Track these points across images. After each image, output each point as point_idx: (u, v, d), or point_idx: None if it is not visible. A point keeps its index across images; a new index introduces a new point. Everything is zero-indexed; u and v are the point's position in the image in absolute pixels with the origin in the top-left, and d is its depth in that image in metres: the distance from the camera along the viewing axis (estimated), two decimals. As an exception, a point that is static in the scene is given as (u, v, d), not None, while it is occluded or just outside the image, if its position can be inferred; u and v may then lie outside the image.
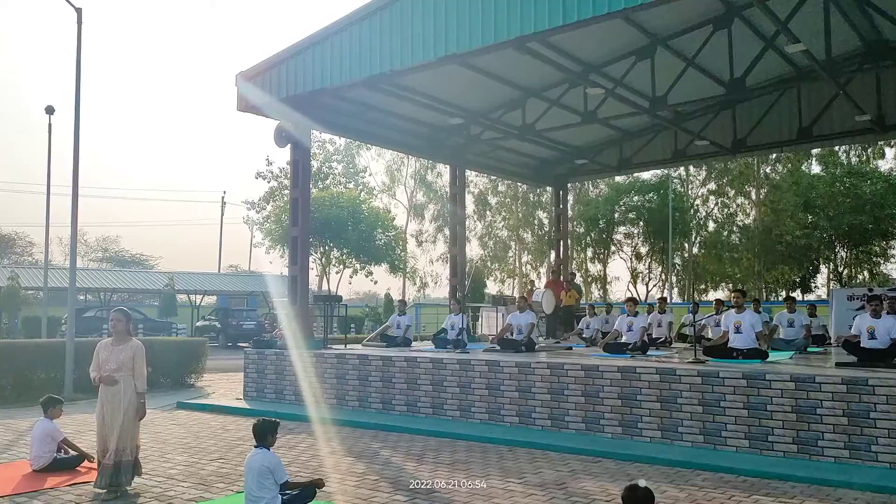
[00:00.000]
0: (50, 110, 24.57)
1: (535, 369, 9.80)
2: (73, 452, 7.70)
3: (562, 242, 21.12)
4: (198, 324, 35.92)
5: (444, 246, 46.58)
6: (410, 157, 44.39)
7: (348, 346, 13.47)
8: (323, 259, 34.98)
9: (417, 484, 6.87)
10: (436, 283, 49.75)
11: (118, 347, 6.63)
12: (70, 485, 6.92)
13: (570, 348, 13.58)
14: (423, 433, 9.73)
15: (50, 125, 24.90)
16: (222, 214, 60.40)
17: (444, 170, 46.35)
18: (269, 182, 44.83)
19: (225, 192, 64.07)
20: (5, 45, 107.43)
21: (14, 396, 13.48)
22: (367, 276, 38.23)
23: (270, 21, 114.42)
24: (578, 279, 18.80)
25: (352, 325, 27.47)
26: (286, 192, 41.97)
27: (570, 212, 28.62)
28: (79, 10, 14.74)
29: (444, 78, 13.34)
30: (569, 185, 23.12)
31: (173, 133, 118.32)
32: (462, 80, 13.59)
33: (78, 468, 7.50)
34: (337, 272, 38.66)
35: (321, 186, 42.05)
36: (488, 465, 7.72)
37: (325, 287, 39.81)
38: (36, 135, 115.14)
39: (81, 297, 39.52)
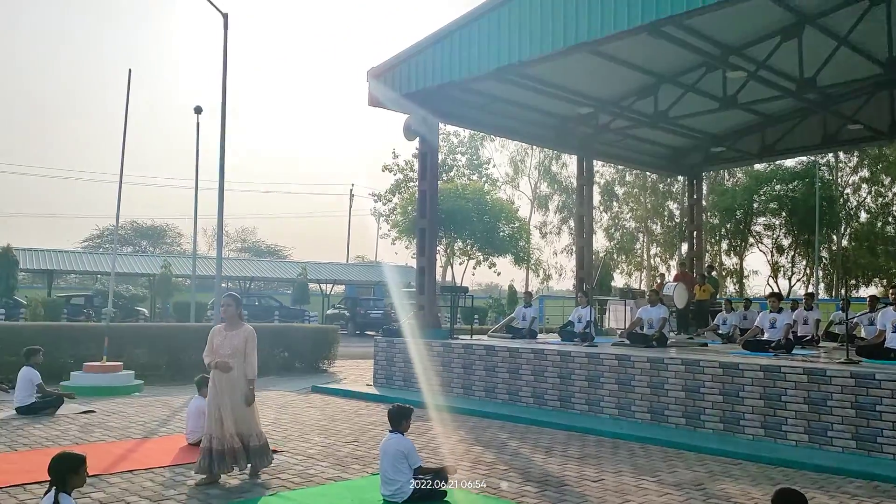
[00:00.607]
0: (198, 110, 26.37)
1: (668, 365, 9.46)
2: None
3: (695, 234, 20.27)
4: (328, 312, 37.46)
5: (568, 237, 45.96)
6: (535, 147, 44.08)
7: (474, 337, 13.57)
8: (447, 250, 35.46)
9: (547, 476, 6.82)
10: (560, 275, 49.24)
11: (231, 333, 6.57)
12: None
13: (706, 344, 13.01)
14: (550, 426, 9.65)
15: (198, 124, 26.69)
16: (350, 207, 62.60)
17: (570, 160, 45.66)
18: (394, 175, 45.97)
19: (353, 185, 66.22)
20: (160, 51, 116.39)
21: (169, 376, 14.60)
22: (489, 268, 38.43)
23: (402, 17, 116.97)
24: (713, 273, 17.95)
25: (476, 316, 27.71)
26: (412, 184, 42.86)
27: (704, 202, 27.39)
28: (225, 15, 15.70)
29: (572, 66, 13.10)
30: (703, 174, 22.12)
31: (306, 128, 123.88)
32: (591, 67, 13.30)
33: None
34: (460, 263, 39.10)
35: (445, 178, 42.60)
36: (619, 462, 7.55)
37: (448, 278, 40.38)
38: (186, 133, 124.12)
39: (224, 285, 42.24)
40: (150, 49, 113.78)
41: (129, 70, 14.59)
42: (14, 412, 9.80)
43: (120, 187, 14.90)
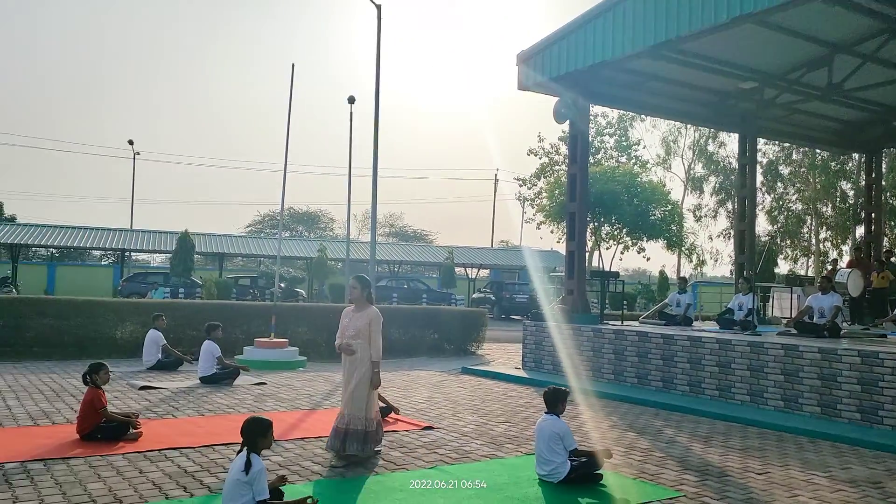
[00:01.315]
0: (351, 100, 27.50)
1: (841, 357, 8.80)
2: (381, 405, 8.61)
3: (873, 216, 18.60)
4: (474, 296, 38.01)
5: (726, 221, 43.69)
6: (689, 127, 42.14)
7: (624, 323, 13.29)
8: (595, 234, 34.81)
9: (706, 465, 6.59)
10: (715, 260, 46.94)
11: (357, 314, 6.52)
12: (387, 430, 7.74)
13: (885, 336, 11.94)
14: (708, 415, 9.29)
15: (351, 114, 27.85)
16: (495, 191, 62.76)
17: (729, 139, 43.29)
18: (540, 158, 45.62)
19: (497, 170, 66.32)
20: (315, 43, 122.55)
21: (328, 353, 15.45)
22: (638, 253, 37.30)
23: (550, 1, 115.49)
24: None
25: (624, 302, 27.06)
26: (557, 167, 42.39)
27: (883, 181, 24.99)
28: (378, 7, 16.24)
29: (735, 39, 12.36)
30: (884, 150, 20.20)
31: (452, 113, 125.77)
32: (756, 39, 12.49)
33: (387, 417, 8.38)
34: (607, 248, 38.26)
35: (593, 161, 41.71)
36: (786, 455, 7.14)
37: (595, 262, 39.66)
38: (339, 123, 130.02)
39: (376, 269, 43.98)
40: (307, 41, 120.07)
41: (293, 65, 15.48)
42: (198, 381, 10.83)
43: (284, 176, 15.91)
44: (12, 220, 52.39)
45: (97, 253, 55.17)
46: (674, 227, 34.69)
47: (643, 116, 42.58)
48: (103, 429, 6.82)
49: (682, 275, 41.57)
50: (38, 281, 39.88)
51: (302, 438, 7.23)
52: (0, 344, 13.40)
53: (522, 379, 12.36)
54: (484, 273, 50.85)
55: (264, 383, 11.00)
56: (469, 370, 13.44)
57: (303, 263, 44.97)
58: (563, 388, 6.20)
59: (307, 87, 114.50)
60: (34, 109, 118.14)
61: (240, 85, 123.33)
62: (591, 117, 45.79)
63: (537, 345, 13.37)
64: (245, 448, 4.62)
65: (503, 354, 16.82)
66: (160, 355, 12.18)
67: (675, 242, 35.65)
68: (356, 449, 6.35)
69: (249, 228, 63.73)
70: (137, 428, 7.02)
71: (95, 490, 5.32)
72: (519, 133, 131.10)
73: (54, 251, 51.57)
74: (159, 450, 6.52)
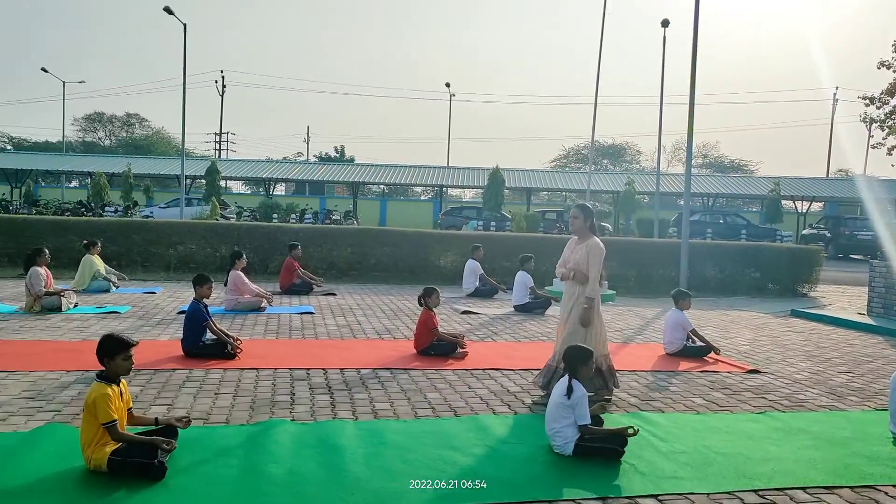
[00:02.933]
0: (665, 23, 25.94)
1: None
2: (699, 344, 8.18)
3: None
4: (804, 232, 34.26)
5: None
6: None
7: None
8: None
9: None
10: None
11: (579, 246, 6.12)
12: (702, 371, 7.40)
13: None
14: None
15: (664, 38, 26.31)
16: (833, 113, 54.92)
17: None
18: (894, 72, 38.55)
19: (837, 88, 57.62)
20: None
21: (636, 288, 15.18)
22: None
23: None
24: None
25: None
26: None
27: None
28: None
29: None
30: None
31: (772, 26, 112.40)
32: None
33: (706, 357, 7.97)
34: None
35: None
36: None
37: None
38: (650, 49, 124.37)
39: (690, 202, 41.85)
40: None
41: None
42: (512, 309, 11.38)
43: (595, 109, 15.69)
44: (352, 160, 59.73)
45: (418, 189, 60.75)
46: None
47: None
48: (435, 346, 7.51)
49: None
50: (372, 214, 45.37)
51: (618, 371, 7.20)
52: (349, 268, 15.50)
53: (868, 326, 10.84)
54: (816, 207, 45.48)
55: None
56: (800, 313, 12.17)
57: (609, 197, 44.50)
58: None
59: (613, 14, 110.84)
60: (364, 62, 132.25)
61: (545, 24, 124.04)
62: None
63: (888, 289, 11.58)
64: (567, 374, 4.72)
65: (842, 298, 14.94)
66: (477, 283, 13.02)
67: None
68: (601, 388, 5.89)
69: (554, 163, 64.81)
70: (464, 348, 7.60)
71: (433, 399, 5.90)
72: (863, 42, 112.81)
73: (384, 188, 58.03)
74: (483, 369, 6.99)
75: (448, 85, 48.57)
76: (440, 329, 7.76)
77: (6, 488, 3.80)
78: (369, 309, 10.92)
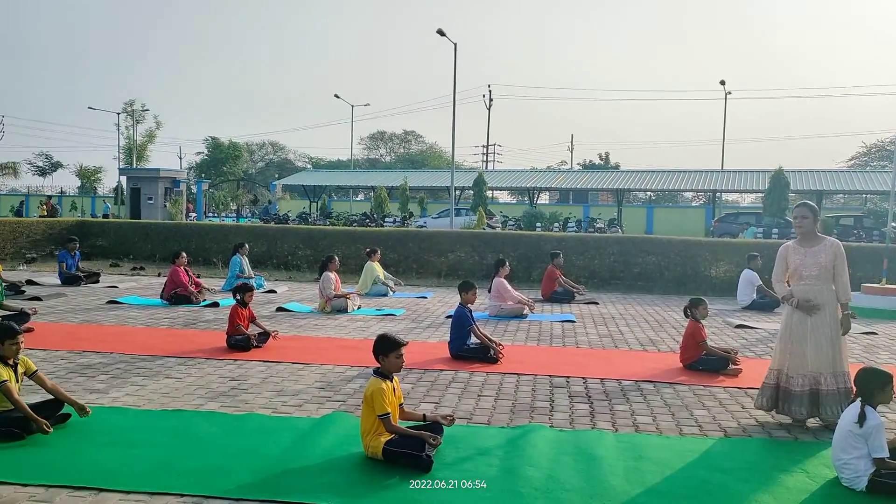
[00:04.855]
0: None
1: None
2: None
3: None
4: None
5: None
6: None
7: None
8: None
9: None
10: None
11: (812, 249, 5.41)
12: None
13: None
14: None
15: None
16: None
17: None
18: None
19: None
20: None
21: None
22: None
23: None
24: None
25: None
26: None
27: None
28: None
29: None
30: None
31: None
32: None
33: None
34: None
35: None
36: None
37: None
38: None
39: None
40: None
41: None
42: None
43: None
44: (616, 167, 58.73)
45: (688, 194, 57.66)
46: None
47: None
48: (704, 360, 7.04)
49: None
50: (638, 222, 44.08)
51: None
52: (612, 277, 15.22)
53: None
54: None
55: (874, 333, 9.76)
56: None
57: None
58: None
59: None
60: (627, 66, 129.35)
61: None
62: None
63: None
64: (859, 398, 4.12)
65: None
66: (755, 295, 12.00)
67: None
68: (832, 414, 5.10)
69: (852, 162, 57.49)
70: (737, 364, 7.02)
71: (701, 416, 5.53)
72: None
73: (651, 194, 56.07)
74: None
75: (723, 83, 45.47)
76: (709, 342, 7.26)
77: (303, 465, 4.30)
78: (632, 319, 10.60)
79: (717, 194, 41.87)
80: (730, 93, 45.93)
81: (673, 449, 4.75)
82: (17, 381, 4.74)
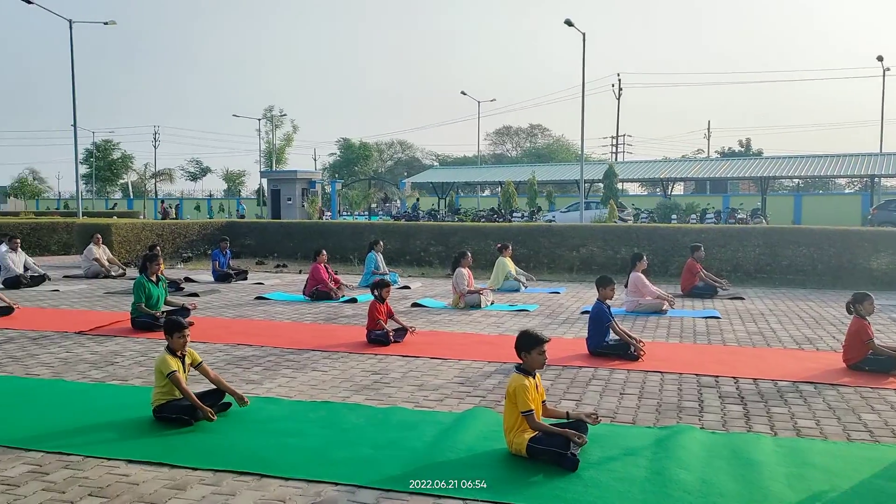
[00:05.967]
0: None
1: None
2: None
3: None
4: None
5: None
6: None
7: None
8: None
9: None
10: None
11: None
12: None
13: None
14: None
15: None
16: None
17: None
18: None
19: None
20: None
21: None
22: None
23: None
24: None
25: None
26: None
27: None
28: None
29: None
30: None
31: None
32: None
33: None
34: None
35: None
36: None
37: None
38: None
39: None
40: None
41: None
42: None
43: None
44: (759, 154, 55.49)
45: (841, 181, 53.46)
46: None
47: None
48: (871, 360, 6.46)
49: None
50: (784, 211, 41.33)
51: None
52: (757, 270, 14.35)
53: None
54: None
55: None
56: None
57: None
58: None
59: None
60: (766, 46, 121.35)
61: None
62: None
63: None
64: None
65: None
66: None
67: None
68: None
69: None
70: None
71: (870, 420, 5.09)
72: None
73: (799, 182, 52.43)
74: (938, 392, 5.78)
75: (881, 59, 41.63)
76: (876, 341, 6.66)
77: (447, 460, 4.33)
78: (784, 315, 9.92)
79: (875, 179, 38.48)
80: (888, 69, 42.10)
81: (841, 455, 4.39)
82: (185, 372, 5.10)
